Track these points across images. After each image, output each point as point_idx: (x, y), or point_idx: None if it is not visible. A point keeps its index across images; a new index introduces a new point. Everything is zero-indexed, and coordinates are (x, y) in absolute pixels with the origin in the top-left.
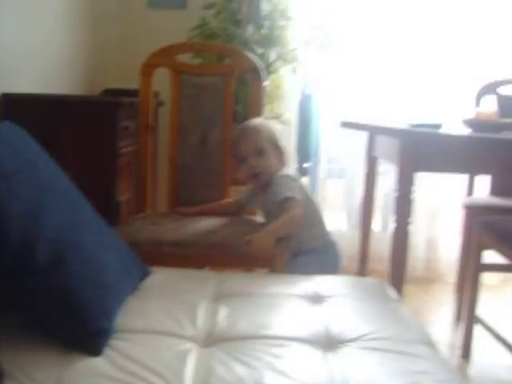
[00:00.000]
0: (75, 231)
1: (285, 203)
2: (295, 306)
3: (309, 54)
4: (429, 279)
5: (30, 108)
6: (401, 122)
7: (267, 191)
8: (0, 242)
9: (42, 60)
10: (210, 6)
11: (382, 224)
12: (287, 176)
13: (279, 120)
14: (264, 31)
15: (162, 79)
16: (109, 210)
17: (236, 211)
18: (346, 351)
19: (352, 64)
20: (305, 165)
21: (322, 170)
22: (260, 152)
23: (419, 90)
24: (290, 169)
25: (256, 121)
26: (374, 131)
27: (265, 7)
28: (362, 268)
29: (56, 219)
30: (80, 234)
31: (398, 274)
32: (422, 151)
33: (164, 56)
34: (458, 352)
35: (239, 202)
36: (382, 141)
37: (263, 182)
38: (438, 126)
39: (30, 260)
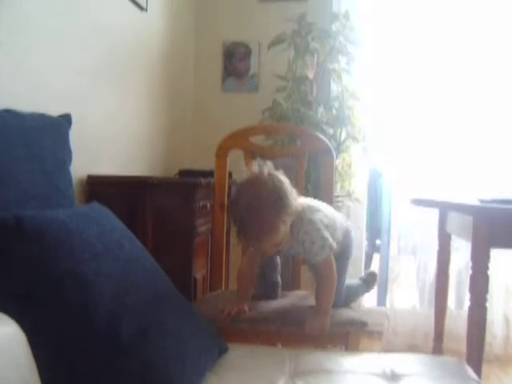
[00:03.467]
0: (158, 307)
1: (320, 263)
2: None
3: (378, 132)
4: (507, 358)
5: (112, 188)
6: (471, 196)
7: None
8: (88, 320)
9: (122, 143)
10: (281, 90)
11: (457, 301)
12: (309, 226)
13: (351, 198)
14: (333, 112)
15: (235, 159)
16: (186, 287)
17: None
18: None
19: (421, 140)
20: (377, 241)
21: (394, 246)
22: None
23: (488, 165)
24: (304, 208)
25: (252, 193)
26: (445, 208)
27: (334, 88)
28: (437, 346)
29: (140, 296)
30: (162, 309)
31: (475, 353)
32: (497, 227)
33: (238, 138)
34: None
35: (257, 261)
36: (454, 217)
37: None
38: None
39: (115, 336)
